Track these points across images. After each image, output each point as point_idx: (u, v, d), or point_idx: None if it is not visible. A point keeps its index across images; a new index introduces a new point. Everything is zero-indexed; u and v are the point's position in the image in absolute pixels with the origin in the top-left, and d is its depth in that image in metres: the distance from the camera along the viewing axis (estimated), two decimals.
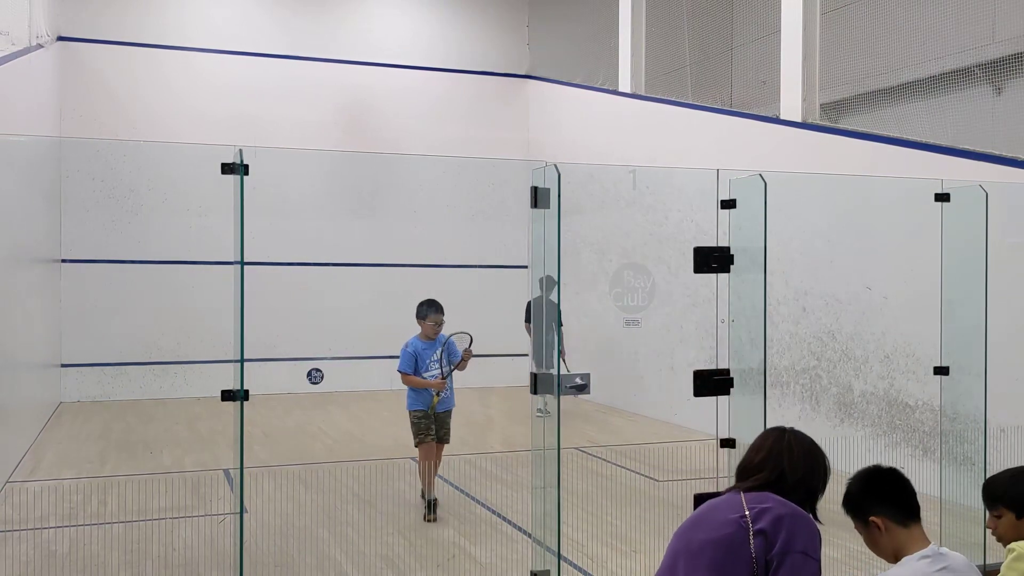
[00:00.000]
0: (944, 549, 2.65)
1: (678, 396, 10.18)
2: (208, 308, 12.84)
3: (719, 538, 2.49)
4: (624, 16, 12.97)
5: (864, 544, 2.79)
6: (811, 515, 2.67)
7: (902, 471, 2.75)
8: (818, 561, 2.51)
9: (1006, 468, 3.18)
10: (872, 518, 2.67)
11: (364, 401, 13.39)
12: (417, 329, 7.13)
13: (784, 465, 2.67)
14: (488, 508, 7.17)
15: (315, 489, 7.75)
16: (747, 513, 2.51)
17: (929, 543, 2.64)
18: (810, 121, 9.50)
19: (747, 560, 2.45)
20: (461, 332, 7.20)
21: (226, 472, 8.45)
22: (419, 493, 7.23)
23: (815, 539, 2.53)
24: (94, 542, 6.24)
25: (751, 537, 2.46)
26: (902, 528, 2.64)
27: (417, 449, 7.09)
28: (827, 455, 2.80)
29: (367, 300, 14.42)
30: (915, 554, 2.60)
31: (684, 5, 11.84)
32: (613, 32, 13.23)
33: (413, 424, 7.05)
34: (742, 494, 2.64)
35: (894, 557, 2.66)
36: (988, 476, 3.22)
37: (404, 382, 7.08)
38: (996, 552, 4.90)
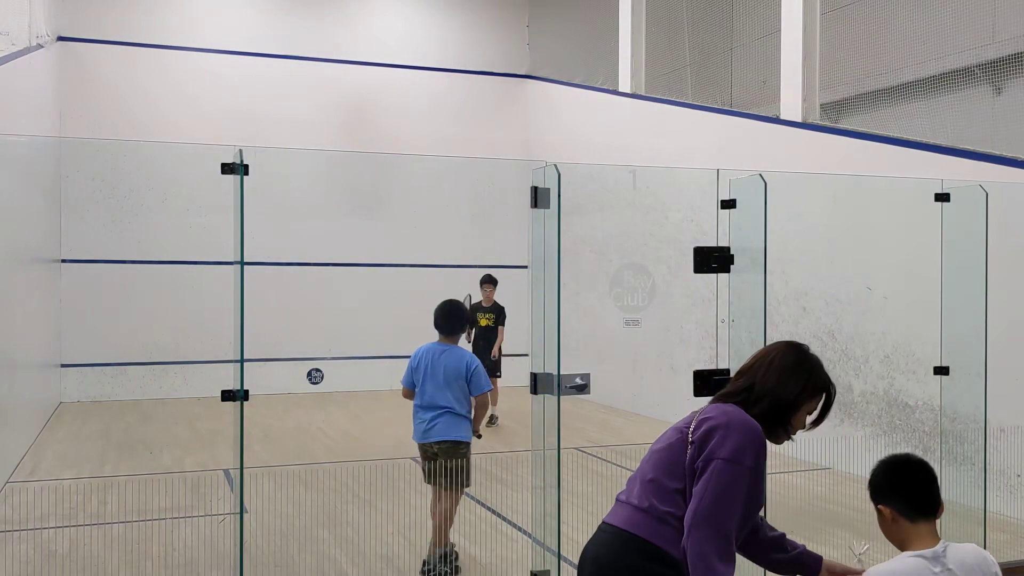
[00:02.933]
0: (950, 548, 2.60)
1: (678, 396, 10.17)
2: (208, 308, 12.84)
3: (664, 448, 2.68)
4: (624, 16, 12.96)
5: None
6: (781, 427, 2.69)
7: (930, 467, 2.71)
8: (751, 467, 2.53)
9: None
10: (880, 506, 2.66)
11: (364, 401, 13.38)
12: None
13: (756, 377, 2.70)
14: (488, 508, 7.17)
15: (315, 489, 7.75)
16: (690, 426, 2.65)
17: (936, 542, 2.60)
18: (810, 121, 9.49)
19: (682, 469, 2.60)
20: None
21: (226, 472, 8.44)
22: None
23: (751, 448, 2.54)
24: (94, 542, 6.23)
25: (688, 448, 2.60)
26: (909, 523, 2.62)
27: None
28: (832, 381, 2.75)
29: (367, 300, 14.43)
30: (913, 551, 2.58)
31: (684, 5, 11.84)
32: (613, 32, 13.23)
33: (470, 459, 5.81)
34: (709, 405, 2.74)
35: (900, 547, 2.65)
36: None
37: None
38: (997, 553, 4.90)
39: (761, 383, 2.69)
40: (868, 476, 2.76)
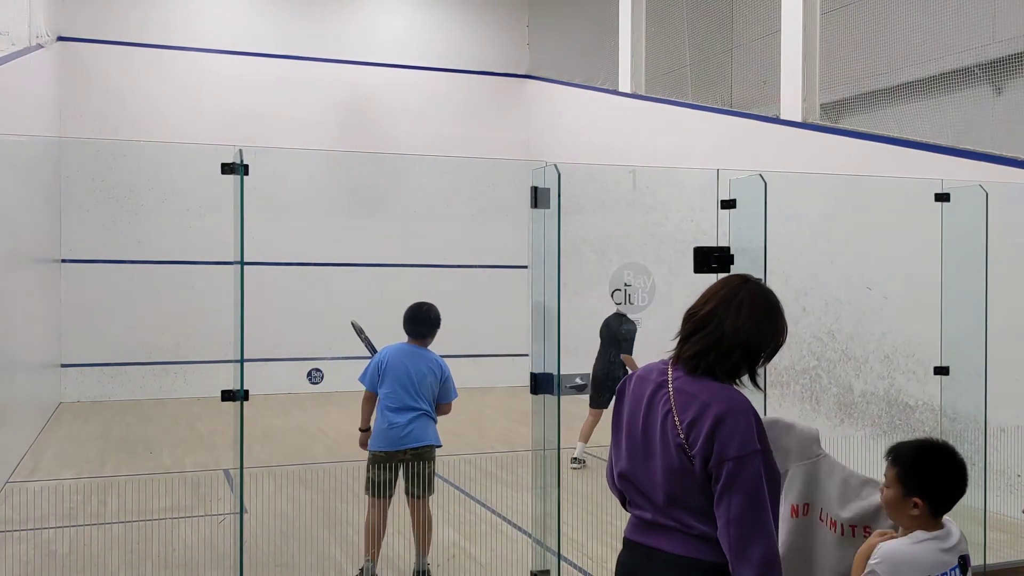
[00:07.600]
0: (948, 523, 2.65)
1: None
2: (208, 308, 12.83)
3: (668, 466, 2.43)
4: (624, 16, 12.96)
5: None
6: (751, 378, 2.48)
7: (964, 466, 2.67)
8: (761, 449, 2.34)
9: None
10: (915, 499, 2.60)
11: None
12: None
13: (726, 327, 2.43)
14: (488, 508, 7.17)
15: (315, 489, 7.74)
16: (682, 437, 2.39)
17: (941, 524, 2.65)
18: (810, 121, 9.49)
19: (695, 481, 2.39)
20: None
21: (226, 472, 8.44)
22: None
23: (750, 430, 2.34)
24: (94, 542, 6.24)
25: (692, 462, 2.38)
26: (932, 518, 2.63)
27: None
28: (785, 319, 2.51)
29: (367, 300, 14.41)
30: (927, 533, 2.59)
31: (684, 5, 11.84)
32: (613, 32, 13.23)
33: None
34: (671, 393, 2.45)
35: (906, 527, 2.65)
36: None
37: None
38: (997, 553, 4.91)
39: (733, 333, 2.42)
40: (893, 450, 2.71)
